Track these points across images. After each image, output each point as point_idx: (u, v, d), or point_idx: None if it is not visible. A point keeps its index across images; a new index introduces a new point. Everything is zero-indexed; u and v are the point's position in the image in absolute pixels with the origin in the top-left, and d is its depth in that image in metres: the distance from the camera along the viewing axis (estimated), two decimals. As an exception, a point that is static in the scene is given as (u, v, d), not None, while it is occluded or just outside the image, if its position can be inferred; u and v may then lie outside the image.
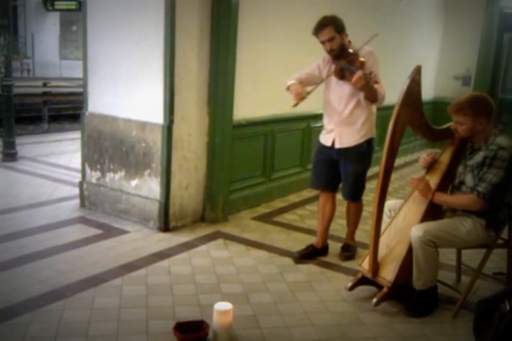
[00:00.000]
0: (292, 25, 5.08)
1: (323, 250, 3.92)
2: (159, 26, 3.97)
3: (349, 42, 3.55)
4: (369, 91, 3.43)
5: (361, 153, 3.63)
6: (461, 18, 8.47)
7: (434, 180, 3.14)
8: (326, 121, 3.75)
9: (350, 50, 3.48)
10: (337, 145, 3.64)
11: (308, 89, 3.56)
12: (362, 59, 3.43)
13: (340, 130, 3.63)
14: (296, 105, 3.51)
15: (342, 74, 3.50)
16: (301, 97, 3.47)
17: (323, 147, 3.75)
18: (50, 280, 3.25)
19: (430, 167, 3.26)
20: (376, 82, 3.37)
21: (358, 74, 3.29)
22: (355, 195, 3.75)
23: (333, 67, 3.57)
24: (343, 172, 3.70)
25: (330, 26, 3.43)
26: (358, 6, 5.61)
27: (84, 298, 3.06)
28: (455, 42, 8.58)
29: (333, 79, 3.59)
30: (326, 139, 3.73)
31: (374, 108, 3.65)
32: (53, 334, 2.65)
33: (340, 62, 3.47)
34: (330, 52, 3.51)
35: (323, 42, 3.50)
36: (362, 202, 3.85)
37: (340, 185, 3.82)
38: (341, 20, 3.49)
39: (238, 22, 4.30)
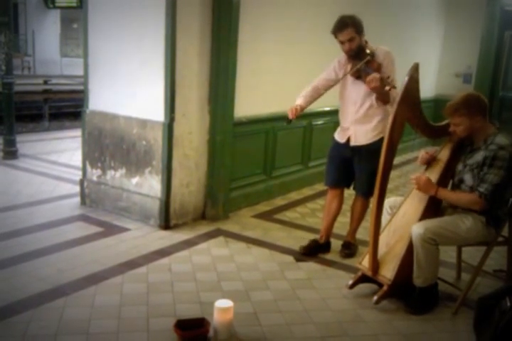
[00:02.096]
0: (293, 25, 5.06)
1: (326, 246, 3.92)
2: (160, 25, 3.97)
3: (366, 42, 3.57)
4: (381, 94, 3.45)
5: (375, 151, 3.61)
6: (462, 16, 8.44)
7: (433, 177, 3.13)
8: (341, 119, 3.78)
9: (367, 51, 3.49)
10: (352, 143, 3.67)
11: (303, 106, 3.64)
12: (379, 61, 3.47)
13: (356, 128, 3.66)
14: (288, 123, 3.62)
15: (358, 75, 3.52)
16: (293, 114, 3.56)
17: (337, 144, 3.78)
18: (50, 278, 3.25)
19: (429, 164, 3.27)
20: (394, 87, 3.36)
21: (373, 75, 3.32)
22: (368, 191, 3.74)
23: (350, 66, 3.58)
24: (358, 169, 3.71)
25: (350, 27, 3.43)
26: (359, 6, 5.58)
27: (85, 295, 3.06)
28: (456, 40, 8.55)
29: (350, 78, 3.61)
30: (341, 136, 3.76)
31: (389, 107, 3.65)
32: (54, 332, 2.66)
33: (359, 63, 3.47)
34: (348, 52, 3.53)
35: (342, 42, 3.50)
36: (370, 200, 3.84)
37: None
38: (361, 21, 3.50)
39: (239, 21, 4.29)
